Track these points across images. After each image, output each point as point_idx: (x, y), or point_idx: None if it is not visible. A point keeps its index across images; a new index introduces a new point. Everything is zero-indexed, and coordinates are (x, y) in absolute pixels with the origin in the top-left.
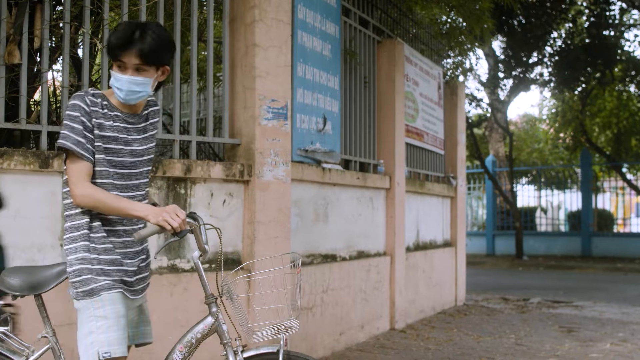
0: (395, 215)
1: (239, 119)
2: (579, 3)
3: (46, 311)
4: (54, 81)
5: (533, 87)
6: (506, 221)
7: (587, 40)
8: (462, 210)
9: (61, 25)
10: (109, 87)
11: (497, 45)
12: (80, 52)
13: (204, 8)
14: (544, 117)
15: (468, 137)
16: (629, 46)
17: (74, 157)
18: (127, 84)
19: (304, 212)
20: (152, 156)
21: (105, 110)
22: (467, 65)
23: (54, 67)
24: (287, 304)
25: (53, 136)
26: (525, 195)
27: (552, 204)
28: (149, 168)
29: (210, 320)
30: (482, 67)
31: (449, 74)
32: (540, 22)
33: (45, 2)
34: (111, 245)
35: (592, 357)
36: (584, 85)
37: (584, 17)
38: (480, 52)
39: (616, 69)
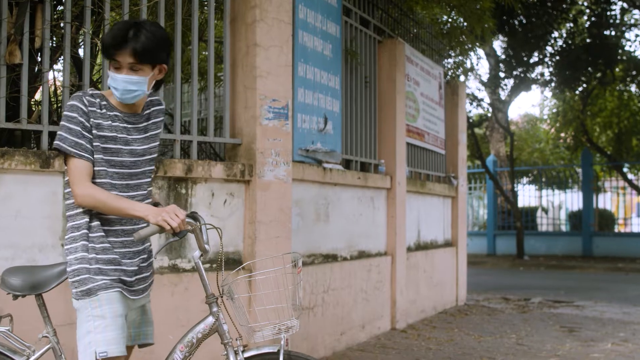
0: (396, 215)
1: (240, 119)
2: (580, 3)
3: (47, 311)
4: (54, 81)
5: (534, 86)
6: (507, 221)
7: (588, 40)
8: (463, 210)
9: (62, 25)
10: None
11: (498, 45)
12: (81, 52)
13: (205, 8)
14: (545, 116)
15: (469, 137)
16: (630, 46)
17: (73, 158)
18: (123, 83)
19: (305, 212)
20: (154, 155)
21: (104, 110)
22: (468, 65)
23: (55, 67)
24: (288, 303)
25: (54, 136)
26: (526, 195)
27: (553, 203)
28: (152, 168)
29: (211, 320)
30: (483, 67)
31: (449, 73)
32: (541, 22)
33: (46, 2)
34: (109, 245)
35: (593, 357)
36: (584, 85)
37: (585, 17)
38: (481, 51)
39: (617, 69)
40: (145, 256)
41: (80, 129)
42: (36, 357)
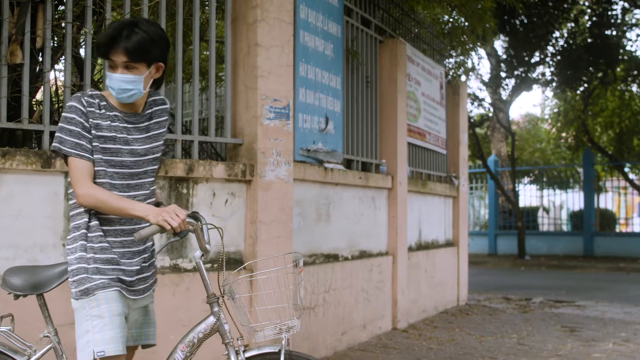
0: (397, 215)
1: (241, 119)
2: (581, 3)
3: (48, 311)
4: (56, 81)
5: (535, 86)
6: (508, 221)
7: (589, 40)
8: (464, 209)
9: (63, 25)
10: None
11: (499, 44)
12: (82, 51)
13: (206, 8)
14: (546, 116)
15: (470, 137)
16: (631, 46)
17: (74, 158)
18: (118, 83)
19: (306, 212)
20: (157, 155)
21: (103, 111)
22: (469, 65)
23: (56, 66)
24: (289, 303)
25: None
26: (528, 194)
27: (554, 203)
28: (154, 167)
29: (212, 319)
30: (484, 67)
31: (451, 73)
32: (542, 22)
33: (48, 2)
34: (108, 245)
35: (594, 357)
36: (586, 85)
37: (586, 17)
38: (482, 51)
39: (618, 69)
40: (146, 256)
41: (79, 130)
42: (37, 357)
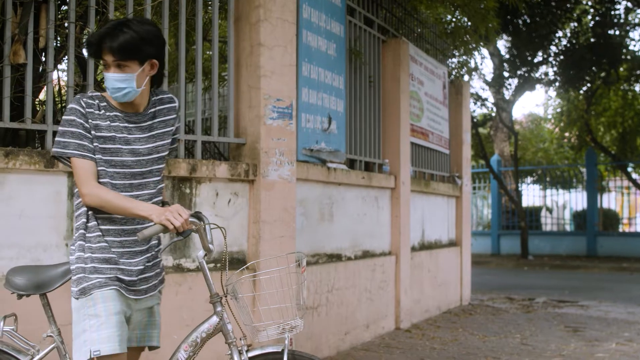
0: (400, 214)
1: (244, 119)
2: (584, 2)
3: (51, 310)
4: (59, 81)
5: (538, 86)
6: (511, 221)
7: (592, 40)
8: (467, 209)
9: (66, 24)
10: None
11: (502, 44)
12: (85, 51)
13: (209, 7)
14: (549, 116)
15: (473, 137)
16: (634, 45)
17: (77, 159)
18: (111, 82)
19: (309, 212)
20: (163, 154)
21: (103, 111)
22: (472, 65)
23: (59, 66)
24: (292, 303)
25: None
26: (531, 194)
27: (557, 203)
28: (160, 166)
29: (215, 319)
30: (487, 67)
31: (453, 73)
32: (545, 22)
33: (51, 1)
34: (106, 244)
35: (597, 357)
36: (589, 85)
37: (589, 17)
38: (485, 51)
39: (621, 68)
40: (149, 255)
41: (80, 131)
42: (40, 356)
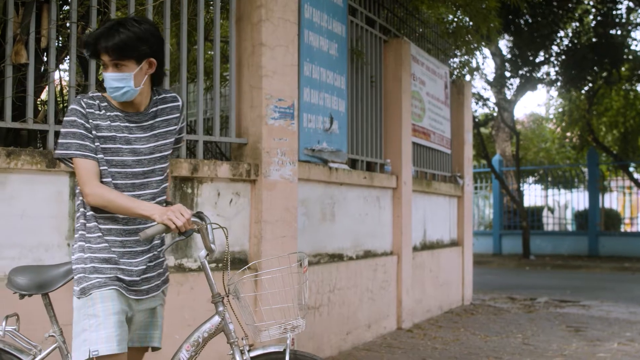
0: (402, 214)
1: (246, 119)
2: (586, 2)
3: (53, 310)
4: (60, 81)
5: (540, 86)
6: (513, 220)
7: (593, 40)
8: (469, 209)
9: (68, 24)
10: None
11: (504, 44)
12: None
13: (211, 7)
14: (551, 116)
15: (475, 137)
16: (636, 45)
17: (79, 159)
18: (109, 81)
19: (310, 212)
20: (166, 153)
21: (103, 111)
22: (474, 65)
23: (61, 66)
24: (294, 303)
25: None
26: (532, 194)
27: (559, 203)
28: (163, 165)
29: (217, 319)
30: (489, 67)
31: (455, 73)
32: (547, 21)
33: (52, 1)
34: (107, 244)
35: (599, 357)
36: (590, 85)
37: (591, 16)
38: (486, 51)
39: (623, 68)
40: (151, 255)
41: (82, 131)
42: (42, 356)
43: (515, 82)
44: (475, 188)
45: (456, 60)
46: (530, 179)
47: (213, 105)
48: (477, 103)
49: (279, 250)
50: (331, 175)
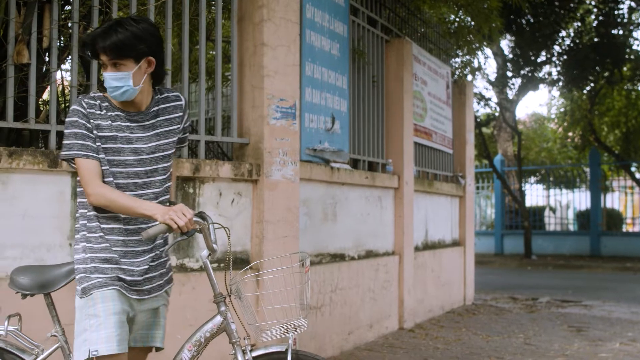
0: (403, 214)
1: (248, 119)
2: (588, 2)
3: (55, 310)
4: (62, 81)
5: (541, 86)
6: (515, 220)
7: (595, 39)
8: (470, 209)
9: (70, 24)
10: None
11: (506, 44)
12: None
13: (212, 7)
14: (553, 116)
15: (476, 137)
16: (638, 45)
17: (82, 159)
18: (108, 81)
19: (312, 212)
20: (168, 152)
21: (104, 111)
22: (476, 65)
23: (63, 66)
24: (296, 303)
25: (62, 136)
26: (534, 194)
27: (560, 203)
28: (166, 165)
29: (219, 319)
30: (491, 66)
31: (457, 73)
32: (548, 21)
33: (54, 1)
34: (108, 244)
35: (601, 357)
36: (592, 85)
37: (593, 16)
38: (488, 51)
39: (625, 68)
40: (153, 255)
41: (83, 131)
42: (45, 356)
43: (517, 82)
44: (477, 188)
45: (458, 60)
46: (532, 179)
47: (215, 105)
48: (478, 103)
49: (280, 250)
50: (333, 175)
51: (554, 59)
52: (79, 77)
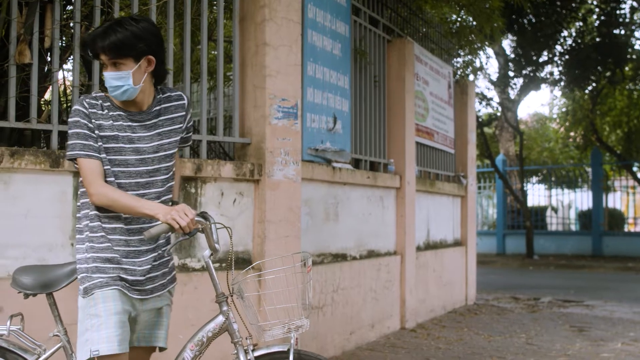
0: (405, 214)
1: (249, 118)
2: (589, 2)
3: (58, 310)
4: (64, 81)
5: (543, 86)
6: (516, 220)
7: (597, 39)
8: (472, 209)
9: (72, 24)
10: None
11: (507, 44)
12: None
13: (214, 7)
14: (555, 116)
15: (478, 136)
16: None
17: (83, 159)
18: (108, 80)
19: (314, 211)
20: (171, 152)
21: (106, 111)
22: (477, 64)
23: (65, 66)
24: (298, 303)
25: (64, 135)
26: (536, 194)
27: (562, 203)
28: (169, 164)
29: (221, 319)
30: (492, 66)
31: (459, 72)
32: (550, 21)
33: (56, 1)
34: (109, 244)
35: (603, 357)
36: (594, 84)
37: (595, 16)
38: (490, 51)
39: (627, 68)
40: (155, 254)
41: (85, 131)
42: (47, 355)
43: (519, 81)
44: (479, 188)
45: (460, 60)
46: (534, 179)
47: (216, 105)
48: (480, 103)
49: (282, 250)
50: (334, 175)
51: (556, 58)
52: (80, 77)
